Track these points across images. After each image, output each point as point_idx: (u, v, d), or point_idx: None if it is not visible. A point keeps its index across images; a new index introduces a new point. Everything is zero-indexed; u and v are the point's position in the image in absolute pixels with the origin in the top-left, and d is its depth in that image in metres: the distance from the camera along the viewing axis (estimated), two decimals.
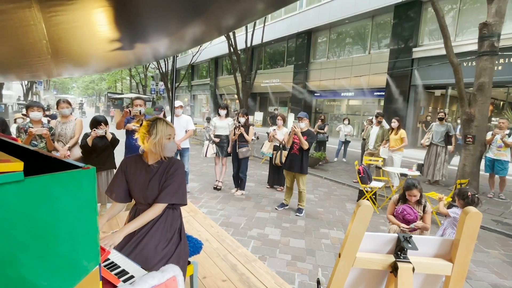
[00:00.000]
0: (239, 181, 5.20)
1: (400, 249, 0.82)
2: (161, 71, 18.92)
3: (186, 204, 1.72)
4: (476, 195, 2.71)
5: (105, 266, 1.25)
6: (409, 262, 0.81)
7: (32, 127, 3.11)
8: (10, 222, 0.67)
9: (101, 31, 1.00)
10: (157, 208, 1.62)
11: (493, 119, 10.57)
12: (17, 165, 0.68)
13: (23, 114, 6.43)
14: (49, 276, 0.75)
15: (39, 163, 1.01)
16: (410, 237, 0.82)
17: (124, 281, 1.15)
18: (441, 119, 6.29)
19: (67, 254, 0.78)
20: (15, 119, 6.39)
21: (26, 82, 21.34)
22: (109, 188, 1.72)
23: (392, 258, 0.83)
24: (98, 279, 0.85)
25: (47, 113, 8.60)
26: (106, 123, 3.54)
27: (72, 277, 0.80)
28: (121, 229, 1.55)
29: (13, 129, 5.63)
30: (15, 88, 31.42)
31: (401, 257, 0.82)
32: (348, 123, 8.78)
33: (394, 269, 0.81)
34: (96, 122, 3.47)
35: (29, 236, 0.71)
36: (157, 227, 1.62)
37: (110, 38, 1.21)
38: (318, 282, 0.95)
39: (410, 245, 0.80)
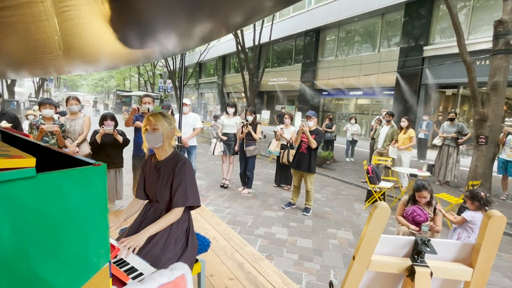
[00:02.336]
0: (246, 179, 5.19)
1: (417, 253, 0.80)
2: (169, 69, 19.04)
3: (199, 206, 1.70)
4: (488, 195, 2.65)
5: (114, 263, 1.25)
6: (427, 267, 0.78)
7: (44, 124, 3.16)
8: (22, 218, 0.67)
9: (111, 27, 1.00)
10: (176, 212, 1.63)
11: (506, 119, 10.32)
12: (29, 161, 0.68)
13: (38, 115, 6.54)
14: (60, 272, 0.75)
15: (50, 159, 1.01)
16: (429, 240, 0.79)
17: (133, 278, 1.14)
18: (451, 120, 6.16)
19: (78, 251, 0.77)
20: (27, 116, 6.51)
21: (37, 79, 21.73)
22: (137, 186, 1.84)
23: (408, 262, 0.80)
24: (108, 276, 0.85)
25: (58, 109, 8.73)
26: (113, 119, 3.56)
27: (83, 273, 0.79)
28: (144, 230, 1.56)
29: (25, 125, 5.74)
30: (26, 85, 32.07)
31: (419, 261, 0.79)
32: (355, 122, 8.69)
33: (411, 273, 0.78)
34: (103, 119, 3.51)
35: (41, 232, 0.70)
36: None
37: (120, 35, 1.21)
38: (331, 285, 0.93)
39: (428, 249, 0.77)
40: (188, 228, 1.74)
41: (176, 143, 4.55)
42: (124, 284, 1.05)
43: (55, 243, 0.73)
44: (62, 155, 0.96)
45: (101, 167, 0.80)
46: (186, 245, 1.68)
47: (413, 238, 0.81)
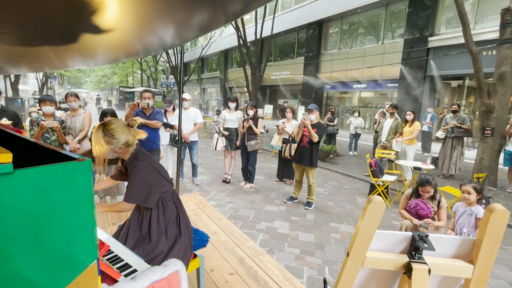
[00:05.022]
0: (248, 174, 5.17)
1: (414, 249, 0.76)
2: (171, 64, 18.96)
3: (148, 206, 1.64)
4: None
5: (108, 259, 1.24)
6: (425, 263, 0.74)
7: (44, 120, 3.15)
8: (1, 215, 0.65)
9: (98, 16, 0.96)
10: (123, 205, 1.63)
11: None
12: (6, 157, 0.65)
13: (38, 109, 6.59)
14: (44, 271, 0.72)
15: (38, 154, 0.99)
16: (426, 236, 0.75)
17: (127, 275, 1.13)
18: (454, 112, 6.03)
19: (62, 249, 0.75)
20: (30, 113, 6.55)
21: (41, 76, 21.82)
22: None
23: (405, 258, 0.76)
24: (96, 274, 0.83)
25: (62, 106, 8.78)
26: (113, 115, 3.54)
27: (69, 272, 0.77)
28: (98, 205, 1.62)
29: (28, 122, 5.77)
30: (31, 83, 32.26)
31: (416, 258, 0.75)
32: (359, 116, 8.60)
33: (408, 270, 0.75)
34: (104, 115, 3.48)
35: (22, 230, 0.68)
36: (147, 219, 1.66)
37: (110, 26, 1.17)
38: (325, 282, 0.90)
39: (426, 245, 0.73)
40: (177, 217, 1.74)
41: (176, 138, 4.54)
42: (116, 281, 1.04)
43: (38, 241, 0.71)
44: (49, 150, 0.93)
45: (86, 162, 0.77)
46: (180, 233, 1.67)
47: (410, 233, 0.77)
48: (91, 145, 3.64)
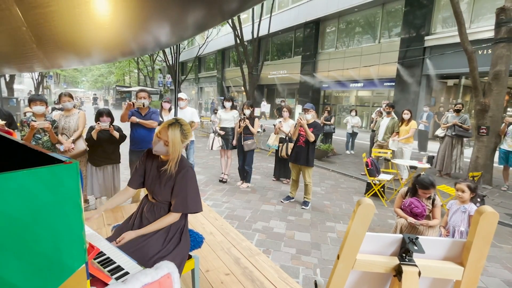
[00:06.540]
0: (245, 173, 5.16)
1: (405, 251, 0.76)
2: (168, 63, 18.88)
3: (201, 211, 1.68)
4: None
5: (100, 261, 1.23)
6: (415, 265, 0.74)
7: (35, 121, 3.11)
8: None
9: (86, 15, 0.94)
10: (174, 216, 1.63)
11: (508, 109, 10.20)
12: None
13: None
14: (30, 276, 0.71)
15: (26, 157, 0.98)
16: (416, 238, 0.75)
17: (118, 278, 1.12)
18: (457, 111, 6.04)
19: (49, 253, 0.74)
20: (25, 113, 6.49)
21: (36, 76, 21.64)
22: (132, 174, 1.78)
23: (396, 261, 0.76)
24: (85, 278, 0.82)
25: (57, 106, 8.72)
26: (109, 115, 3.51)
27: (56, 277, 0.76)
28: (139, 230, 1.60)
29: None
30: (26, 82, 31.99)
31: (406, 260, 0.75)
32: (356, 115, 8.61)
33: (398, 272, 0.74)
34: (99, 115, 3.46)
35: (6, 235, 0.67)
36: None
37: (100, 23, 1.15)
38: (316, 285, 0.89)
39: (416, 248, 0.73)
40: (184, 225, 1.74)
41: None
42: (106, 284, 1.03)
43: (23, 245, 0.69)
44: (36, 152, 0.92)
45: (72, 165, 0.76)
46: (179, 240, 1.67)
47: (400, 236, 0.77)
48: (86, 144, 3.61)
